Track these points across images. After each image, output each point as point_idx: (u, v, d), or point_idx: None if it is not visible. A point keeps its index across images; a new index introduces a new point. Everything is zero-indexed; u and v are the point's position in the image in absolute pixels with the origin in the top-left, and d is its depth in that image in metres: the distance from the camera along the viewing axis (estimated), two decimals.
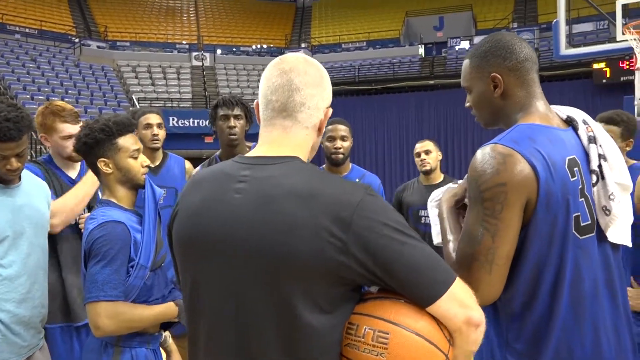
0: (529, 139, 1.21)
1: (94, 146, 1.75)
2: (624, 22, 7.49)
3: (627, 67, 13.89)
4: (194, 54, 22.18)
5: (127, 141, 1.79)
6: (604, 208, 1.26)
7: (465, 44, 20.88)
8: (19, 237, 1.85)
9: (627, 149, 2.41)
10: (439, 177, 3.38)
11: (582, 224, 1.23)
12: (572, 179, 1.22)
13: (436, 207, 1.45)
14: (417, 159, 3.36)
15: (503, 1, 23.83)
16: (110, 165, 1.77)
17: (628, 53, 6.65)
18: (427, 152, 3.32)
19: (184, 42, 24.20)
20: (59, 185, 2.26)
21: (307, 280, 0.94)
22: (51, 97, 16.48)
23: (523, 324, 1.21)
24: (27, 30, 20.55)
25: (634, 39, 6.50)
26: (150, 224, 1.78)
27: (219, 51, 23.03)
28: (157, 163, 3.00)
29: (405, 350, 0.93)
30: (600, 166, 1.27)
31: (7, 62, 17.56)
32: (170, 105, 18.94)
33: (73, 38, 21.47)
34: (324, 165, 2.89)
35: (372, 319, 0.96)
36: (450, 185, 1.44)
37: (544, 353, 1.19)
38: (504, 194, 1.16)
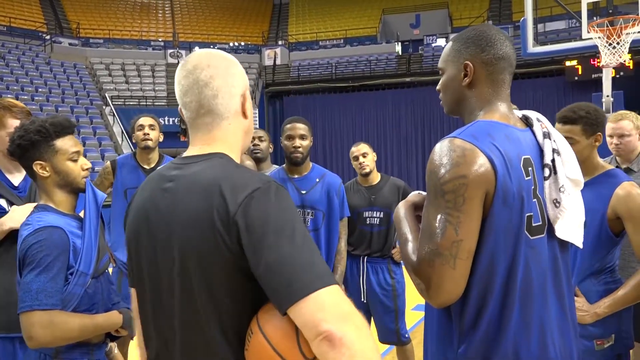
0: (488, 135, 1.21)
1: (29, 148, 1.67)
2: (594, 20, 7.61)
3: (598, 64, 14.14)
4: (170, 51, 21.88)
5: (66, 143, 1.71)
6: (554, 201, 1.26)
7: (441, 42, 21.03)
8: None
9: (597, 144, 2.03)
10: (376, 177, 3.43)
11: (533, 224, 1.22)
12: (526, 178, 1.21)
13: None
14: (355, 162, 3.41)
15: None
16: (47, 169, 1.69)
17: (598, 51, 6.76)
18: (364, 155, 3.37)
19: (159, 39, 23.85)
20: None
21: (210, 277, 0.98)
22: (20, 96, 16.07)
23: (476, 325, 1.19)
24: None
25: (598, 37, 6.59)
26: (92, 228, 1.70)
27: (195, 48, 22.74)
28: (152, 165, 3.11)
29: (254, 352, 0.95)
30: (553, 160, 1.27)
31: None
32: (144, 103, 18.66)
33: (44, 35, 20.98)
34: (283, 165, 2.84)
35: (254, 322, 0.98)
36: (414, 192, 1.42)
37: (494, 353, 1.18)
38: (465, 186, 1.14)
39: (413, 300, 5.51)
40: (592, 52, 13.06)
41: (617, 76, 12.18)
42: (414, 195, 1.40)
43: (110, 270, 1.83)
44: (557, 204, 1.25)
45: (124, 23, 24.26)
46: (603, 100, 7.02)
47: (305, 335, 0.87)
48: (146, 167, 3.12)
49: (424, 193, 1.35)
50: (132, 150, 16.80)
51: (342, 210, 2.78)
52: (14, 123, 2.16)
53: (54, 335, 1.51)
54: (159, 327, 1.09)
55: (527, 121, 1.34)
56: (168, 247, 1.04)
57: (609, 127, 2.77)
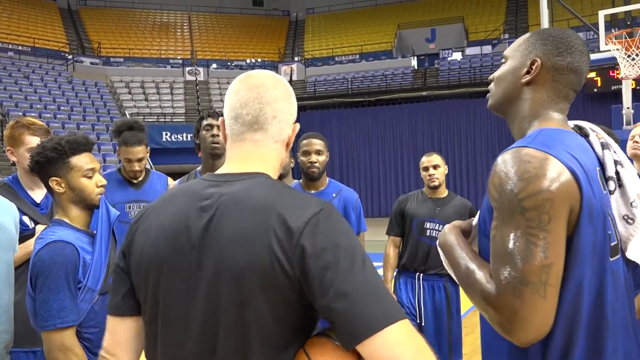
0: (562, 143, 1.06)
1: (46, 165, 1.73)
2: (612, 32, 7.55)
3: (617, 76, 13.99)
4: (188, 68, 22.26)
5: (81, 160, 1.76)
6: (625, 217, 1.12)
7: (457, 56, 21.04)
8: None
9: None
10: (444, 191, 3.29)
11: (611, 244, 1.07)
12: (604, 192, 1.09)
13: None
14: (424, 173, 3.25)
15: (494, 12, 24.06)
16: (63, 185, 1.74)
17: (617, 62, 6.69)
18: (435, 167, 3.21)
19: (177, 57, 24.29)
20: (20, 208, 2.22)
21: (258, 301, 0.89)
22: (44, 114, 16.46)
23: None
24: (20, 47, 20.60)
25: (617, 49, 6.53)
26: (103, 245, 1.74)
27: (212, 66, 23.12)
28: (140, 178, 3.02)
29: None
30: (617, 172, 1.14)
31: (0, 79, 17.57)
32: (163, 120, 18.96)
33: (66, 54, 21.53)
34: (300, 180, 2.86)
35: (302, 353, 0.91)
36: (454, 223, 1.27)
37: None
38: (550, 202, 0.98)
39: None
40: (611, 64, 12.93)
41: (638, 87, 12.02)
42: (458, 222, 1.25)
43: None
44: (631, 221, 1.11)
45: (144, 42, 24.78)
46: (623, 112, 6.94)
47: None
48: (134, 180, 3.02)
49: (460, 222, 1.24)
50: (151, 165, 16.94)
51: (359, 225, 2.78)
52: (32, 140, 2.23)
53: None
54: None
55: (581, 131, 1.21)
56: (206, 272, 0.94)
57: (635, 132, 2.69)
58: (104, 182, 1.83)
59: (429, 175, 3.22)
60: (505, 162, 1.04)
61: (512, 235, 1.00)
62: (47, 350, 1.61)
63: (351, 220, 2.74)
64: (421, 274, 3.16)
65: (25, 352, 2.07)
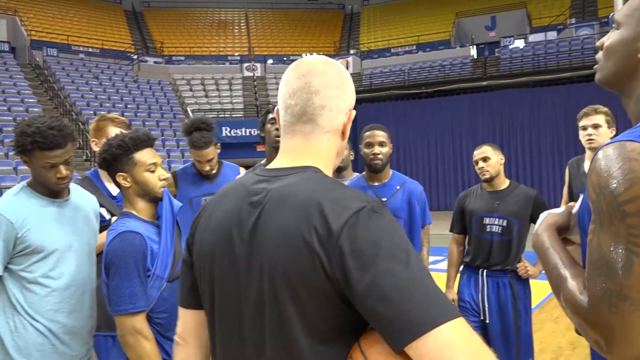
0: None
1: (112, 161, 1.85)
2: None
3: None
4: (245, 64, 22.70)
5: (144, 156, 1.87)
6: None
7: (519, 43, 20.20)
8: (68, 250, 1.93)
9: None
10: (503, 182, 3.14)
11: None
12: None
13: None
14: (476, 167, 3.16)
15: None
16: (128, 179, 1.86)
17: None
18: (484, 160, 3.09)
19: (235, 54, 24.82)
20: (99, 200, 2.35)
21: (302, 299, 0.87)
22: (112, 112, 17.30)
23: None
24: (90, 49, 21.75)
25: None
26: (168, 235, 1.84)
27: (269, 61, 23.45)
28: (214, 172, 3.13)
29: None
30: None
31: (72, 80, 18.65)
32: (222, 115, 19.45)
33: (132, 55, 22.52)
34: (363, 173, 2.85)
35: (357, 349, 0.87)
36: (551, 211, 1.16)
37: None
38: None
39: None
40: None
41: None
42: (552, 215, 1.14)
43: None
44: None
45: (203, 40, 25.49)
46: None
47: None
48: (207, 174, 3.12)
49: (558, 210, 1.14)
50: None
51: (424, 217, 2.74)
52: (115, 132, 2.39)
53: (139, 344, 1.72)
54: (229, 356, 0.99)
55: None
56: (254, 269, 0.93)
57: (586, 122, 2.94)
58: (167, 175, 1.93)
59: (479, 168, 3.11)
60: (607, 157, 0.91)
61: (610, 243, 0.88)
62: (120, 333, 1.73)
63: (416, 213, 2.70)
64: (484, 270, 3.06)
65: (104, 336, 2.20)
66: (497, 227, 3.03)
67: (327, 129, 1.01)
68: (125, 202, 1.92)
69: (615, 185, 0.89)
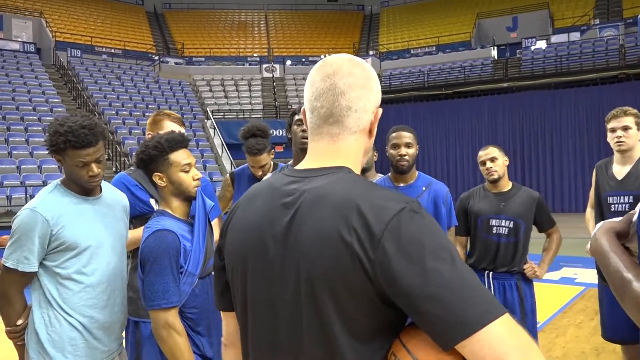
0: None
1: (149, 162, 1.92)
2: None
3: None
4: (265, 65, 22.83)
5: (179, 156, 1.94)
6: None
7: (541, 44, 19.95)
8: (100, 247, 1.97)
9: None
10: (507, 184, 3.14)
11: None
12: None
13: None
14: (482, 167, 3.13)
15: None
16: (164, 179, 1.92)
17: None
18: (492, 160, 3.08)
19: (255, 54, 24.98)
20: (149, 191, 2.42)
21: (341, 298, 0.87)
22: (134, 112, 17.56)
23: None
24: (112, 50, 22.10)
25: None
26: (200, 233, 1.90)
27: (288, 62, 23.55)
28: (268, 174, 3.26)
29: None
30: None
31: (96, 80, 18.96)
32: (242, 116, 19.57)
33: (153, 56, 22.81)
34: (389, 174, 2.85)
35: (399, 345, 0.88)
36: (609, 221, 1.20)
37: None
38: None
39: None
40: None
41: None
42: (611, 221, 1.16)
43: None
44: None
45: (223, 41, 25.71)
46: None
47: None
48: (260, 177, 3.26)
49: (617, 219, 1.16)
50: (231, 161, 17.41)
51: (450, 219, 2.73)
52: (170, 126, 2.49)
53: (172, 338, 1.79)
54: (264, 359, 0.99)
55: None
56: (289, 270, 0.93)
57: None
58: (200, 175, 1.98)
59: (487, 169, 3.08)
60: None
61: None
62: (154, 327, 1.80)
63: (441, 214, 2.69)
64: (490, 272, 3.04)
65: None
66: (504, 228, 3.03)
67: (354, 130, 1.01)
68: (161, 201, 1.99)
69: None
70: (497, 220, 3.05)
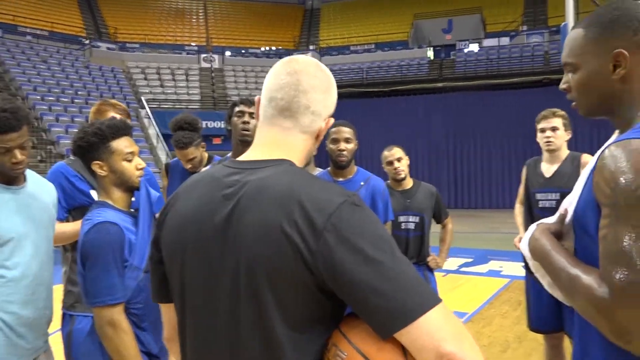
0: None
1: (88, 149, 1.79)
2: None
3: None
4: (203, 55, 22.29)
5: (121, 144, 1.82)
6: None
7: (474, 47, 20.84)
8: (23, 239, 1.86)
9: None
10: (409, 182, 3.36)
11: None
12: None
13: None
14: (389, 167, 3.31)
15: (512, 4, 23.75)
16: (105, 168, 1.81)
17: None
18: (399, 160, 3.29)
19: (192, 44, 24.35)
20: (90, 182, 2.30)
21: (280, 290, 0.88)
22: (61, 98, 16.61)
23: None
24: (37, 31, 20.77)
25: None
26: (145, 225, 1.81)
27: (227, 53, 23.13)
28: (202, 169, 3.17)
29: None
30: None
31: (18, 63, 17.73)
32: (178, 106, 19.03)
33: (83, 39, 21.66)
34: (328, 168, 2.88)
35: (340, 336, 0.89)
36: (542, 221, 1.22)
37: None
38: None
39: (449, 307, 5.48)
40: None
41: None
42: (547, 223, 1.19)
43: None
44: None
45: (160, 28, 24.85)
46: None
47: (420, 358, 0.82)
48: (196, 172, 3.20)
49: (551, 220, 1.18)
50: (167, 152, 16.88)
51: (386, 213, 2.80)
52: (114, 116, 2.37)
53: (118, 336, 1.69)
54: (201, 351, 0.98)
55: None
56: (228, 261, 0.93)
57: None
58: (144, 164, 1.88)
59: (395, 168, 3.28)
60: (615, 155, 0.97)
61: (629, 234, 0.92)
62: (98, 324, 1.70)
63: (378, 209, 2.76)
64: None
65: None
66: (412, 223, 3.25)
67: (305, 130, 1.02)
68: (101, 191, 1.87)
69: (631, 178, 0.93)
70: (405, 216, 3.25)
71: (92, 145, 1.79)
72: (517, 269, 6.66)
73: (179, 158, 3.22)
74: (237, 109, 2.61)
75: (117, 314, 1.69)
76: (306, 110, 1.01)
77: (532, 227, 1.21)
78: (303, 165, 1.07)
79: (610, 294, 0.92)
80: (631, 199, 0.93)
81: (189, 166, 3.18)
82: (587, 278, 0.97)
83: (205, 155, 3.34)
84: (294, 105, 1.01)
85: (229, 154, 2.77)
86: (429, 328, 0.81)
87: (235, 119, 2.60)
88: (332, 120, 1.07)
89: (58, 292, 2.23)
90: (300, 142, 1.02)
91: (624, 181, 0.94)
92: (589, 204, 1.04)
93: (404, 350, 0.84)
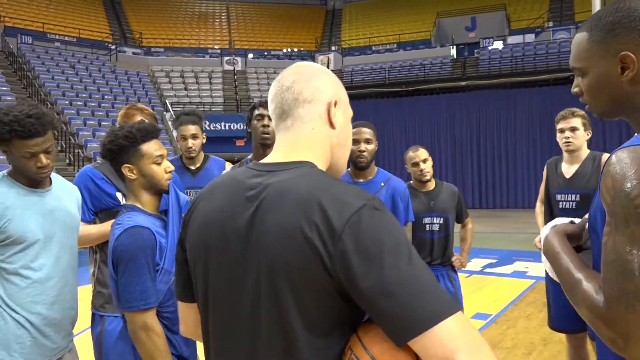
0: None
1: (118, 152, 1.79)
2: None
3: None
4: (226, 58, 22.52)
5: (151, 147, 1.82)
6: None
7: (498, 44, 20.52)
8: (49, 241, 1.90)
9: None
10: (433, 182, 3.33)
11: None
12: None
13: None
14: (414, 169, 3.26)
15: (538, 0, 23.32)
16: (134, 171, 1.81)
17: None
18: (424, 161, 3.24)
19: (215, 47, 24.60)
20: (116, 184, 2.33)
21: (301, 293, 0.89)
22: (89, 103, 16.99)
23: None
24: (66, 38, 21.28)
25: None
26: (175, 229, 1.80)
27: (250, 55, 23.31)
28: (198, 165, 3.15)
29: None
30: None
31: (48, 69, 18.21)
32: (202, 109, 19.26)
33: (109, 45, 22.11)
34: (349, 169, 2.87)
35: (356, 340, 0.89)
36: (558, 220, 1.22)
37: None
38: None
39: (472, 309, 5.41)
40: None
41: None
42: (564, 224, 1.18)
43: None
44: None
45: (183, 32, 25.19)
46: None
47: None
48: (192, 167, 3.16)
49: (570, 222, 1.18)
50: None
51: (407, 214, 2.77)
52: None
53: (151, 340, 1.70)
54: (223, 350, 1.00)
55: None
56: (250, 263, 0.94)
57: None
58: (172, 167, 1.88)
59: (420, 170, 3.23)
60: (621, 161, 0.94)
61: (626, 245, 0.91)
62: (131, 329, 1.70)
63: (399, 210, 2.73)
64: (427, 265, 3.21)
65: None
66: (436, 225, 3.20)
67: (307, 119, 1.03)
68: (130, 195, 1.86)
69: (630, 188, 0.91)
70: (429, 218, 3.21)
71: (122, 149, 1.79)
72: (543, 270, 6.52)
73: (182, 135, 3.10)
74: (256, 112, 2.61)
75: (150, 318, 1.69)
76: (296, 102, 1.03)
77: (546, 227, 1.19)
78: (343, 158, 1.08)
79: (605, 303, 0.93)
80: (629, 210, 0.91)
81: (189, 144, 3.07)
82: (587, 284, 0.98)
83: (202, 154, 3.26)
84: (285, 105, 1.04)
85: (250, 156, 2.78)
86: (443, 337, 0.80)
87: (255, 122, 2.60)
88: (339, 101, 1.06)
89: (84, 292, 2.29)
90: (309, 133, 1.03)
91: (623, 191, 0.92)
92: (598, 208, 1.03)
93: (417, 357, 0.83)
